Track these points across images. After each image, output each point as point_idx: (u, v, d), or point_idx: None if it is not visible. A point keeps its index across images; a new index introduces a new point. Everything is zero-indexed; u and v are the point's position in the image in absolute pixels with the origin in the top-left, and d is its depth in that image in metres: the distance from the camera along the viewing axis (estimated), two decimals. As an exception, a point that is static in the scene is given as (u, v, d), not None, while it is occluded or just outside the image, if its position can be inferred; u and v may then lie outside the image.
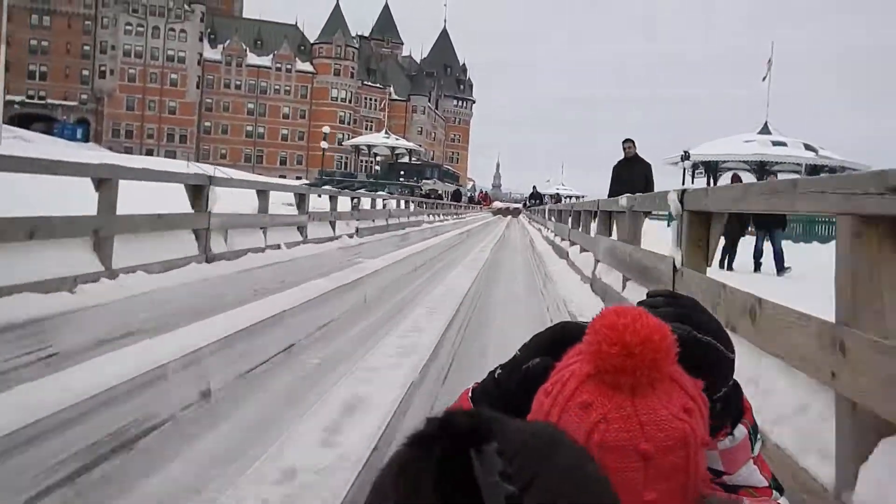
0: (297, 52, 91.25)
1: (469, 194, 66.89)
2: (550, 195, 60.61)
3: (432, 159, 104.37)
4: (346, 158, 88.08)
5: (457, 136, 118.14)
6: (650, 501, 0.60)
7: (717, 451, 0.77)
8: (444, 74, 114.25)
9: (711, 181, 30.09)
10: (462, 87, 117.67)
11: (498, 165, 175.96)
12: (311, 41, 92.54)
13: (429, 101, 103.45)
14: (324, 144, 59.07)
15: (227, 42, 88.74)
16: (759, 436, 0.82)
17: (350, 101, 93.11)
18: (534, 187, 36.68)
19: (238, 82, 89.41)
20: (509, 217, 51.47)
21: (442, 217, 29.58)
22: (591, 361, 0.63)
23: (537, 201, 34.49)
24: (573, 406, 0.62)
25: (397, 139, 67.34)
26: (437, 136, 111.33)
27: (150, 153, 75.63)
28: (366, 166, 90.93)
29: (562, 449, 0.51)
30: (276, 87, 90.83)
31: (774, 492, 0.82)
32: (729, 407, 0.77)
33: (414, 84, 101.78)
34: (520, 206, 71.30)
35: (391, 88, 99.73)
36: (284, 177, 67.78)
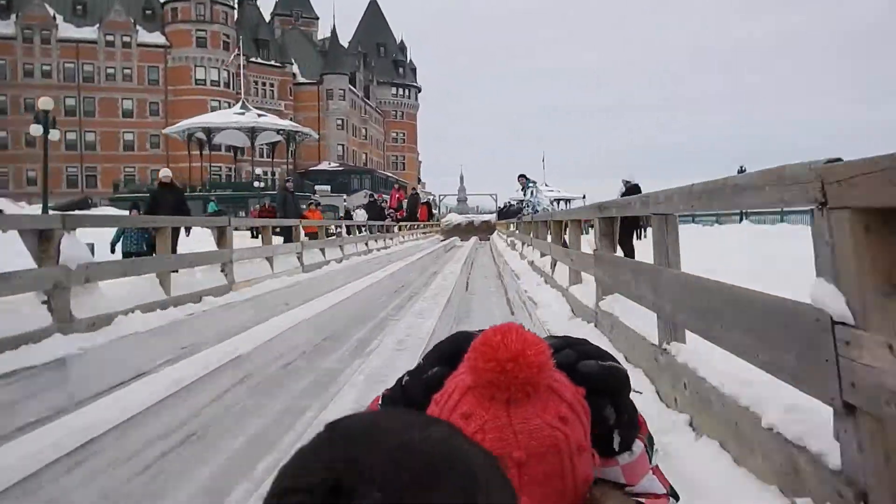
0: (140, 17, 61.39)
1: (368, 198, 29.71)
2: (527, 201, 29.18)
3: (364, 165, 74.90)
4: (230, 170, 58.32)
5: (400, 135, 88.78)
6: None
7: (618, 466, 0.82)
8: (377, 55, 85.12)
9: None
10: (402, 70, 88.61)
11: (462, 178, 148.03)
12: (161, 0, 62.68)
13: (353, 85, 73.94)
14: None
15: (26, 9, 58.51)
16: (654, 447, 0.88)
17: (228, 86, 63.15)
18: None
19: (47, 67, 59.21)
20: (472, 241, 27.59)
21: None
22: (471, 375, 0.69)
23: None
24: (456, 416, 0.68)
25: (261, 115, 38.09)
26: (371, 135, 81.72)
27: None
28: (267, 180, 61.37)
29: (446, 480, 0.41)
30: (110, 70, 60.72)
31: (671, 498, 0.88)
32: (627, 425, 0.82)
33: (328, 61, 72.13)
34: (491, 217, 42.37)
35: (294, 67, 70.19)
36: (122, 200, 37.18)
